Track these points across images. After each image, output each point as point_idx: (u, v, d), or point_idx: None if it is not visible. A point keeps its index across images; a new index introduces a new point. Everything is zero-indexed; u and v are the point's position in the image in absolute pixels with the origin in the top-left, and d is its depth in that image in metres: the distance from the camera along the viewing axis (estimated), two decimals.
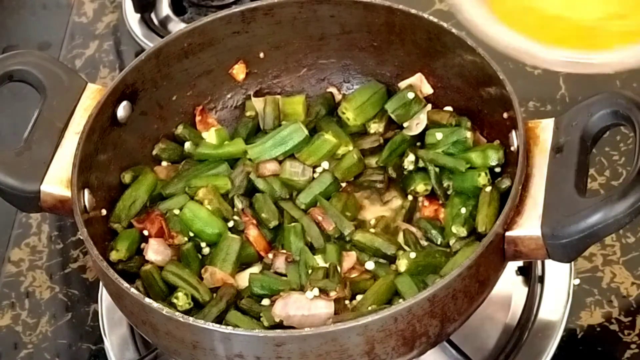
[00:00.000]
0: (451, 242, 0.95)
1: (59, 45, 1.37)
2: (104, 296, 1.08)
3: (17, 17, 1.44)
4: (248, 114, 1.08)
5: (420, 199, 1.00)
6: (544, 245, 0.88)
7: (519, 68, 1.22)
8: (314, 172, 1.03)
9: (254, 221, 0.99)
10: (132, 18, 1.36)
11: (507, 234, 0.89)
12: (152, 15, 1.36)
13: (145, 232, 0.99)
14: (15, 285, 1.14)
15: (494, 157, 0.97)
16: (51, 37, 1.39)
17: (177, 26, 1.33)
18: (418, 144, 1.03)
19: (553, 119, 0.94)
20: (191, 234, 0.99)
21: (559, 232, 0.86)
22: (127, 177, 1.02)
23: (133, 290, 0.87)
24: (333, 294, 0.91)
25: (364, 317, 0.84)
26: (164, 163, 1.06)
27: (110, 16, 1.39)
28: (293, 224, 0.98)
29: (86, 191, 0.96)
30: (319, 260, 0.96)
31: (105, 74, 1.32)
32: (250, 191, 1.02)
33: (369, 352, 0.85)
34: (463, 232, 0.95)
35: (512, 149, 0.95)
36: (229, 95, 1.09)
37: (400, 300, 0.91)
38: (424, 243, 0.97)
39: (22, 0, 1.46)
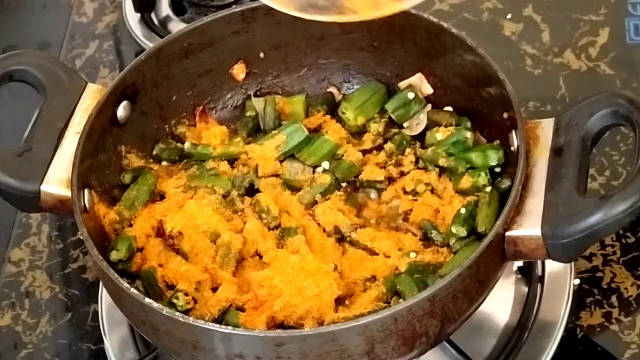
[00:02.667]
0: (451, 242, 0.95)
1: (59, 45, 1.37)
2: (104, 296, 1.08)
3: (17, 17, 1.44)
4: (248, 113, 1.08)
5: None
6: (544, 245, 0.88)
7: (519, 68, 1.22)
8: (314, 172, 1.03)
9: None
10: (132, 18, 1.36)
11: (507, 234, 0.89)
12: (152, 15, 1.36)
13: None
14: (15, 285, 1.14)
15: (494, 157, 0.97)
16: (51, 37, 1.39)
17: (177, 26, 1.33)
18: (418, 144, 1.03)
19: (553, 119, 0.94)
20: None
21: (559, 232, 0.86)
22: (127, 177, 1.02)
23: (133, 290, 0.87)
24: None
25: (364, 317, 0.84)
26: (164, 163, 1.06)
27: (110, 16, 1.39)
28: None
29: (86, 191, 0.96)
30: None
31: (105, 74, 1.32)
32: (250, 191, 1.02)
33: (369, 352, 0.85)
34: (463, 232, 0.95)
35: (512, 149, 0.95)
36: (229, 95, 1.09)
37: (400, 300, 0.91)
38: (424, 243, 0.97)
39: (22, 0, 1.46)
